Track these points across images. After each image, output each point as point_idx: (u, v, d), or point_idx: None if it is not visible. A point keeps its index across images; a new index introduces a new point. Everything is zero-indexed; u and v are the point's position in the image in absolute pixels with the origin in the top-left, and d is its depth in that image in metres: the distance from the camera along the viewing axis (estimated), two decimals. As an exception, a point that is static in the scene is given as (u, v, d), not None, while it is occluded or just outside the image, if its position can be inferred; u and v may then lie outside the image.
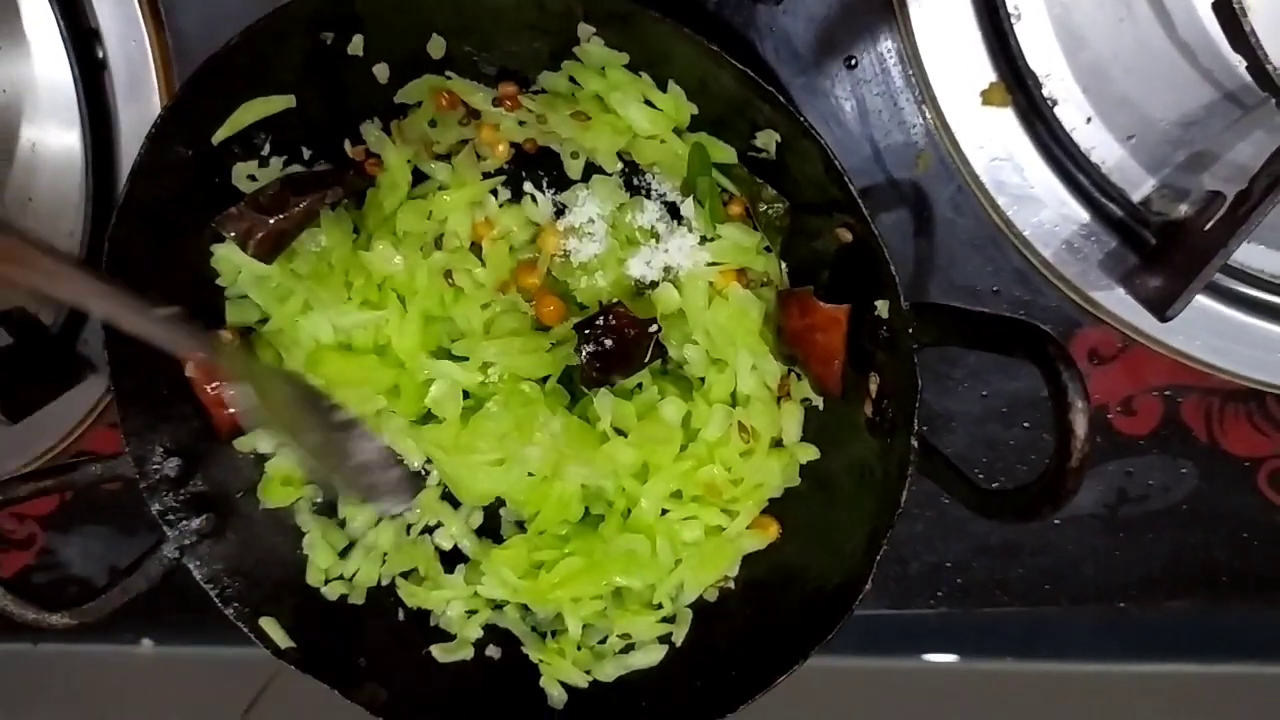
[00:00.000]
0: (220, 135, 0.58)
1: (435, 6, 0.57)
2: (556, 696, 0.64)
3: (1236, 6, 0.51)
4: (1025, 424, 0.70)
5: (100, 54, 0.68)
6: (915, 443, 0.52)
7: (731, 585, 0.65)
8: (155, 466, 0.61)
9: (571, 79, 0.60)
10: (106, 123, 0.69)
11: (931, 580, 0.74)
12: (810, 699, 0.68)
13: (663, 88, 0.58)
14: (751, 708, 0.57)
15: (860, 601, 0.54)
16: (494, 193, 0.63)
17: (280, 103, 0.59)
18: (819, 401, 0.62)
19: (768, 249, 0.61)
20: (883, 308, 0.54)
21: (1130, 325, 0.65)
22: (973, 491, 0.52)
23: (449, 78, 0.61)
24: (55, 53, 0.68)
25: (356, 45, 0.59)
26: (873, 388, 0.57)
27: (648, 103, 0.59)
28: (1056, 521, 0.72)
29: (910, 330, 0.52)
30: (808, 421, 0.63)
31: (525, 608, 0.66)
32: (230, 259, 0.62)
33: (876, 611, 0.76)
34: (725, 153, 0.59)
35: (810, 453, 0.63)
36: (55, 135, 0.70)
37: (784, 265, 0.61)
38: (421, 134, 0.62)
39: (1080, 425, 0.43)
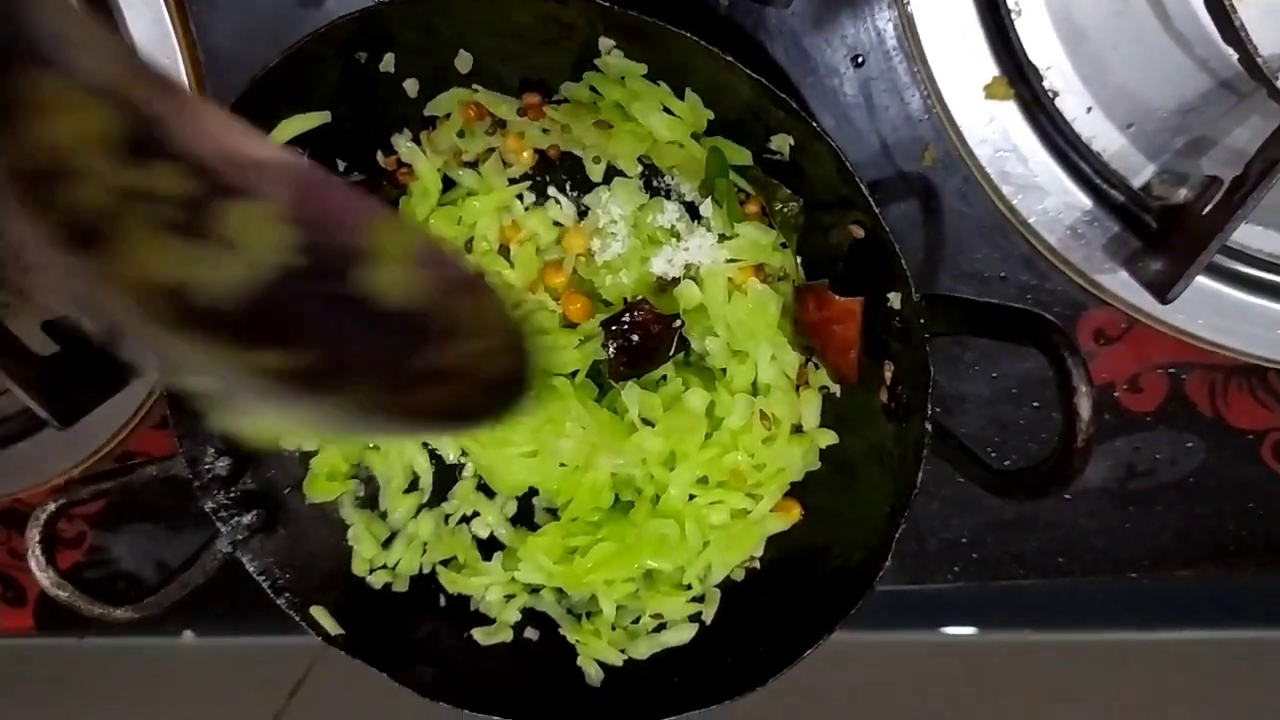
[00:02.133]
0: None
1: (463, 27, 0.60)
2: (594, 675, 0.67)
3: (1227, 2, 0.53)
4: (1035, 403, 0.72)
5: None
6: (929, 426, 0.55)
7: (757, 565, 0.67)
8: (207, 466, 0.64)
9: (593, 89, 0.62)
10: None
11: (949, 555, 0.77)
12: (835, 672, 0.71)
13: (680, 95, 0.61)
14: (780, 681, 0.60)
15: (881, 577, 0.57)
16: (520, 197, 0.66)
17: (317, 119, 0.61)
18: (836, 389, 0.65)
19: (784, 245, 0.63)
20: (895, 299, 0.57)
21: (1134, 306, 0.67)
22: (985, 471, 0.55)
23: (476, 90, 0.64)
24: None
25: (388, 63, 0.61)
26: (887, 375, 0.60)
27: (667, 110, 0.61)
28: (1068, 496, 0.74)
29: (922, 320, 0.54)
30: (826, 408, 0.65)
31: (561, 591, 0.69)
32: None
33: (896, 587, 0.78)
34: (741, 155, 0.62)
35: (829, 438, 0.65)
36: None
37: (799, 260, 0.64)
38: (451, 144, 0.65)
39: (1084, 408, 0.46)
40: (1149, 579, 0.76)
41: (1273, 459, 0.73)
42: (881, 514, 0.59)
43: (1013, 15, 0.62)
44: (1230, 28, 0.53)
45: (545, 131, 0.64)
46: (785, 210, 0.62)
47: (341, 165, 0.65)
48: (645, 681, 0.66)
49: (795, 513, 0.67)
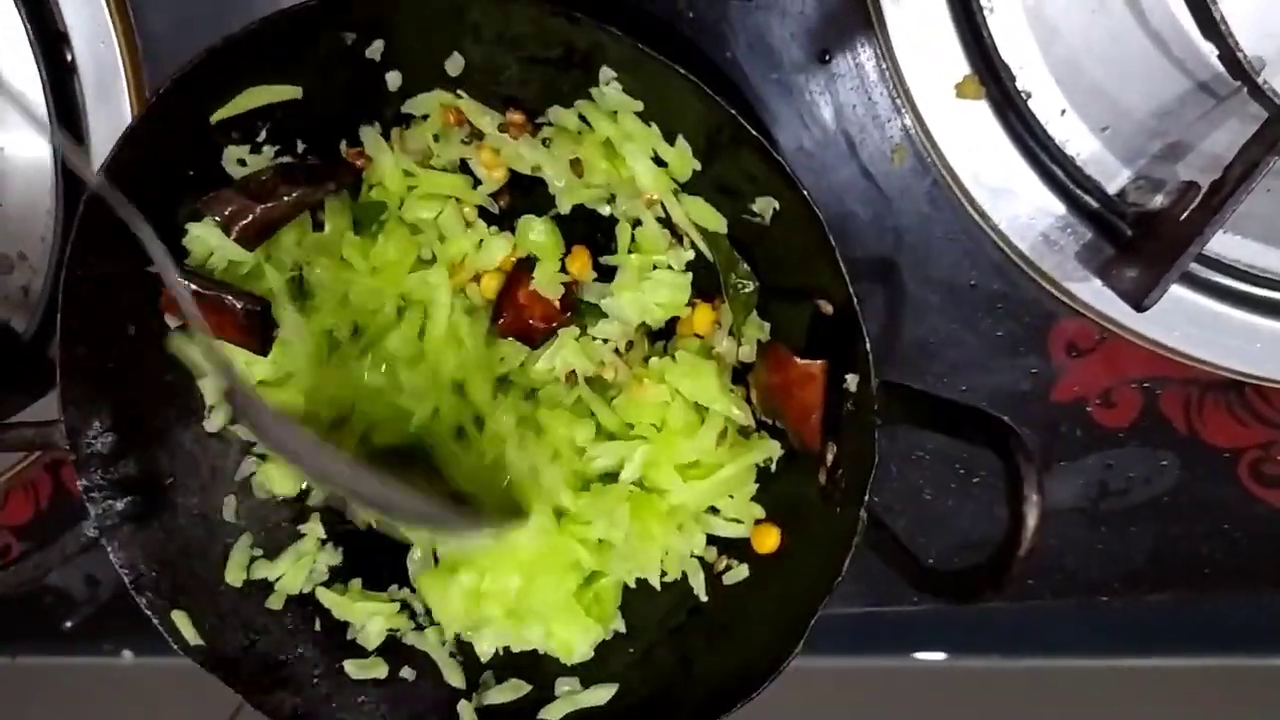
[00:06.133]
0: (220, 115, 0.58)
1: (463, 29, 0.57)
2: None
3: (1207, -5, 0.51)
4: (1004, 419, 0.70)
5: (69, 57, 0.68)
6: (864, 515, 0.53)
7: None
8: (89, 440, 0.60)
9: (582, 118, 0.60)
10: (77, 127, 0.69)
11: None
12: (803, 699, 0.68)
13: (670, 140, 0.58)
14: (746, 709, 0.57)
15: (791, 660, 0.55)
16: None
17: (286, 93, 0.58)
18: (774, 465, 0.62)
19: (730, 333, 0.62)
20: (852, 383, 0.55)
21: (1107, 317, 0.64)
22: (918, 569, 0.53)
23: (460, 96, 0.60)
24: (23, 56, 0.67)
25: (376, 50, 0.58)
26: (829, 457, 0.57)
27: (656, 160, 0.59)
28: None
29: (876, 409, 0.52)
30: (762, 487, 0.63)
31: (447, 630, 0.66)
32: (204, 240, 0.61)
33: (864, 609, 0.75)
34: (717, 221, 0.60)
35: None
36: (25, 140, 0.70)
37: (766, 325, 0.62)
38: (423, 146, 0.62)
39: (1032, 517, 0.44)
40: (1120, 602, 0.74)
41: (1250, 479, 0.70)
42: (803, 598, 0.56)
43: (985, 12, 0.60)
44: (1210, 22, 0.51)
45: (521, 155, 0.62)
46: (740, 287, 0.60)
47: (301, 147, 0.62)
48: None
49: (773, 539, 0.62)
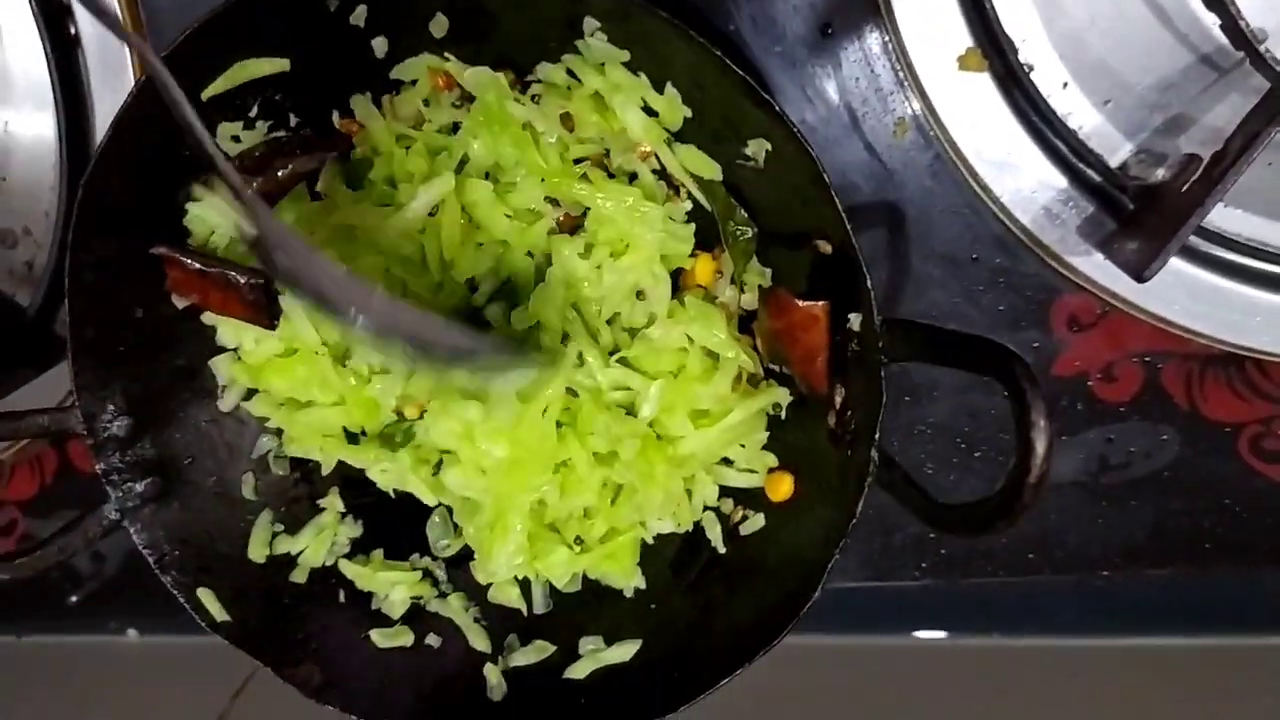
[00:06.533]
0: (211, 92, 0.58)
1: None
2: (495, 684, 0.64)
3: (1210, -37, 0.51)
4: (1005, 393, 0.70)
5: (73, 31, 0.68)
6: (875, 455, 0.53)
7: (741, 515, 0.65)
8: (105, 424, 0.61)
9: (570, 72, 0.60)
10: (80, 102, 0.69)
11: (916, 551, 0.74)
12: (802, 676, 0.68)
13: (659, 89, 0.58)
14: (741, 684, 0.57)
15: (807, 609, 0.55)
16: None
17: (275, 65, 0.58)
18: (783, 412, 0.62)
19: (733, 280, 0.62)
20: (855, 321, 0.55)
21: (1109, 291, 0.65)
22: (929, 504, 0.53)
23: (448, 59, 0.61)
24: (28, 31, 0.67)
25: (359, 15, 0.58)
26: (837, 399, 0.57)
27: (645, 109, 0.59)
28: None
29: (880, 346, 0.52)
30: (773, 436, 0.63)
31: (469, 598, 0.66)
32: (205, 219, 0.61)
33: (863, 584, 0.76)
34: (711, 169, 0.60)
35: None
36: (29, 115, 0.70)
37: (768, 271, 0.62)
38: (414, 111, 0.62)
39: (1041, 443, 0.44)
40: (1121, 578, 0.74)
41: (1250, 454, 0.71)
42: (818, 543, 0.56)
43: (988, -16, 0.60)
44: (1213, -8, 0.51)
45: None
46: (738, 234, 0.60)
47: (294, 121, 0.62)
48: (555, 699, 0.63)
49: (786, 486, 0.63)
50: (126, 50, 0.67)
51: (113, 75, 0.68)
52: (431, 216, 0.61)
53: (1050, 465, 0.44)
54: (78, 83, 0.69)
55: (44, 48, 0.67)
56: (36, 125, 0.70)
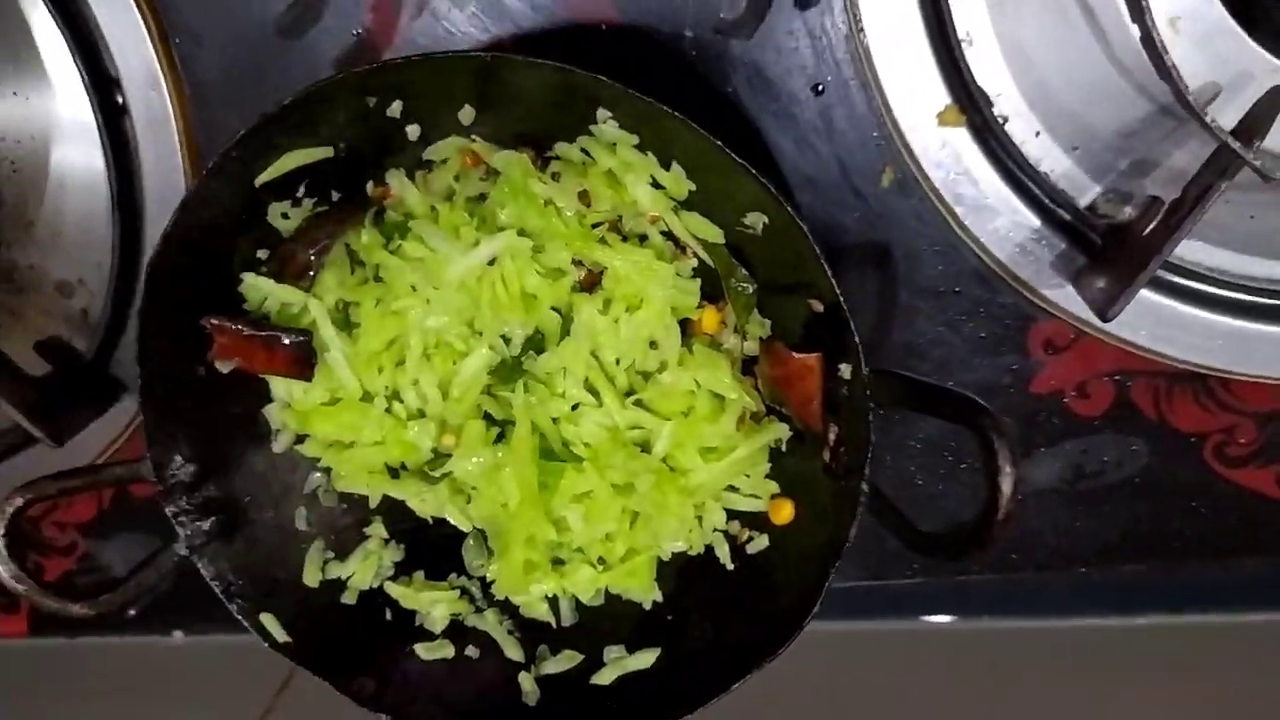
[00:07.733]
0: (262, 179, 0.63)
1: (468, 87, 0.63)
2: (530, 690, 0.69)
3: (1158, 43, 0.56)
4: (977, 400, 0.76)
5: (120, 100, 0.73)
6: (866, 487, 0.59)
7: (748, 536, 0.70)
8: (173, 472, 0.66)
9: (584, 151, 0.65)
10: (128, 162, 0.74)
11: (908, 553, 0.80)
12: (810, 662, 0.74)
13: (665, 166, 0.64)
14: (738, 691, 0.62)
15: (811, 618, 0.61)
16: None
17: (320, 154, 0.64)
18: (783, 444, 0.68)
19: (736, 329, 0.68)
20: (846, 370, 0.61)
21: (1080, 319, 0.70)
22: (910, 531, 0.60)
23: (474, 140, 0.66)
24: (78, 98, 0.72)
25: (395, 109, 0.64)
26: (831, 437, 0.64)
27: (654, 184, 0.65)
28: (1020, 496, 0.77)
29: (868, 393, 0.58)
30: (774, 465, 0.69)
31: (504, 611, 0.71)
32: (258, 287, 0.66)
33: (859, 583, 0.82)
34: (714, 233, 0.65)
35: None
36: (81, 174, 0.75)
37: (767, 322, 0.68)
38: (445, 186, 0.67)
39: (1007, 486, 0.52)
40: (1098, 573, 0.80)
41: (1214, 460, 0.76)
42: (817, 561, 0.62)
43: (964, 45, 0.65)
44: (1162, 67, 0.57)
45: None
46: (740, 290, 0.66)
47: (335, 196, 0.67)
48: (595, 708, 0.68)
49: (788, 511, 0.68)
50: (172, 120, 0.72)
51: (159, 139, 0.73)
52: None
53: (1015, 505, 0.52)
54: (125, 144, 0.74)
55: (94, 115, 0.72)
56: (87, 182, 0.75)
